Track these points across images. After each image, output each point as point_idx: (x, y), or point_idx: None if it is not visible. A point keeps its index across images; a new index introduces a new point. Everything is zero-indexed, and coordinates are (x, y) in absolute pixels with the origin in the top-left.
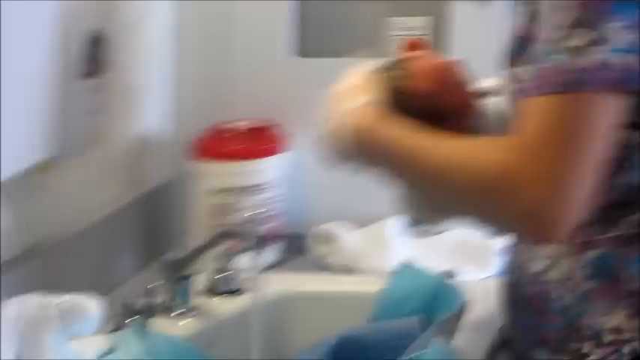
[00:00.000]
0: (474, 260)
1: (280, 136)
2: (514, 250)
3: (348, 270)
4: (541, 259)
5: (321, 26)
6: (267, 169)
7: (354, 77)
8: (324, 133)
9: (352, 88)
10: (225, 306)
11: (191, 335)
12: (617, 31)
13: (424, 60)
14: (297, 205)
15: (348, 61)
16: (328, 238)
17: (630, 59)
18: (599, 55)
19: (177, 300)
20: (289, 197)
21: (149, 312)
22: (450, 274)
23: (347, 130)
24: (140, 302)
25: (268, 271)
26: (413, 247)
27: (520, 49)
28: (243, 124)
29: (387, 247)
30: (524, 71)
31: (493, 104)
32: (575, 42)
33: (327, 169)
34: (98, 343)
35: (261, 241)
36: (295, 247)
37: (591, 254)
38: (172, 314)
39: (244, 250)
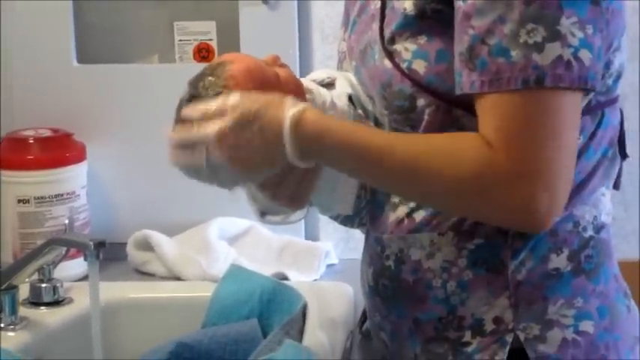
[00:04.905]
0: (297, 263)
1: (78, 145)
2: (382, 239)
3: (169, 276)
4: (421, 247)
5: (101, 32)
6: (72, 178)
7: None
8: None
9: (257, 107)
10: (52, 316)
11: (22, 347)
12: (568, 28)
13: (238, 61)
14: (105, 213)
15: (132, 67)
16: (147, 245)
17: (584, 56)
18: (555, 51)
19: (5, 311)
20: (96, 206)
21: None
22: (281, 276)
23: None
24: None
25: (89, 280)
26: (234, 251)
27: (405, 26)
28: (38, 133)
29: (208, 252)
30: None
31: (337, 94)
32: (528, 38)
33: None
34: None
35: (85, 249)
36: (110, 255)
37: (476, 242)
38: (1, 325)
39: (68, 259)
